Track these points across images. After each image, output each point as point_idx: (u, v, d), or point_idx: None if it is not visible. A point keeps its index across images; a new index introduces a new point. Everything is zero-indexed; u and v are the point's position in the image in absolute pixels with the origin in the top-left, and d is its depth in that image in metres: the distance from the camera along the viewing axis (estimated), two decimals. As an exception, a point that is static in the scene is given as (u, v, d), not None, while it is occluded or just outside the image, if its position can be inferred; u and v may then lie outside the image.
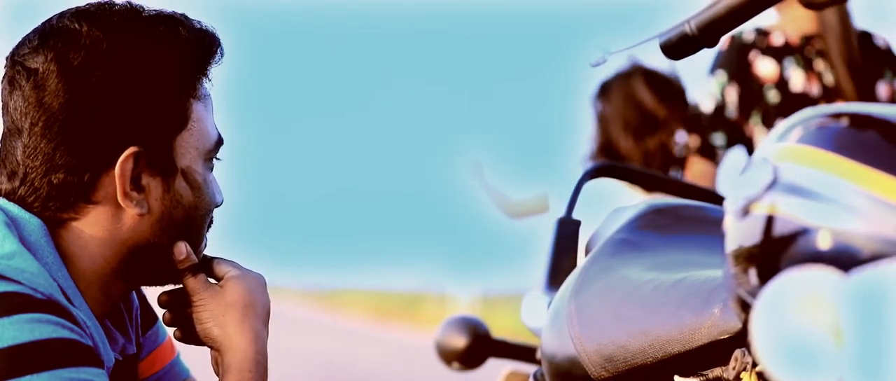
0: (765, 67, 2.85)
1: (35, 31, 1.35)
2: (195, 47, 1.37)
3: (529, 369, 1.97)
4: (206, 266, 1.42)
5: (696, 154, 2.90)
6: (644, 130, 3.09)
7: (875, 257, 0.95)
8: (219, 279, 1.41)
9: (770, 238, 1.03)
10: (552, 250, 1.71)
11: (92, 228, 1.34)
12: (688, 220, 1.49)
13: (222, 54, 1.40)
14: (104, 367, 1.30)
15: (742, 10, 1.18)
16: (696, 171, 2.90)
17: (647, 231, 1.48)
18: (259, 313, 1.40)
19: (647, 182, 2.17)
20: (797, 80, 2.84)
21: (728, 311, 1.14)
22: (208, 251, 1.44)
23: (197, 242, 1.41)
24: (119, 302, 1.41)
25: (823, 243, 0.98)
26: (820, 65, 2.84)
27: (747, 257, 1.06)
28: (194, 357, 1.63)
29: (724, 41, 2.86)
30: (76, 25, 1.33)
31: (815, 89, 2.83)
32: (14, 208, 1.31)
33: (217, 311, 1.38)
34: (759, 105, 2.86)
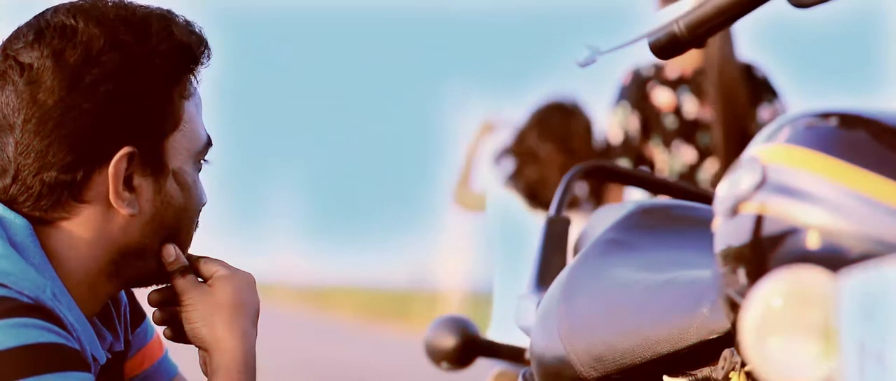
0: (662, 97, 3.33)
1: (28, 25, 1.33)
2: (187, 46, 1.37)
3: (519, 368, 1.98)
4: (195, 266, 1.42)
5: None
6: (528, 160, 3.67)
7: (864, 257, 0.95)
8: (207, 279, 1.41)
9: (759, 238, 1.04)
10: (541, 248, 1.71)
11: (82, 228, 1.33)
12: (677, 220, 1.50)
13: (211, 54, 1.39)
14: (91, 370, 1.30)
15: (730, 10, 1.19)
16: (610, 195, 3.45)
17: (636, 231, 1.48)
18: (248, 313, 1.40)
19: (635, 182, 2.23)
20: (691, 107, 3.32)
21: (717, 311, 1.15)
22: (193, 250, 1.44)
23: (185, 243, 1.41)
24: (107, 301, 1.41)
25: (812, 243, 0.98)
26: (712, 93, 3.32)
27: (736, 257, 1.07)
28: (185, 355, 1.63)
29: (627, 75, 3.39)
30: (72, 21, 1.31)
31: (707, 115, 3.32)
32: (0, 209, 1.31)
33: (206, 311, 1.38)
34: (658, 130, 3.33)
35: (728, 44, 3.30)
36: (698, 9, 1.20)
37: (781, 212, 1.02)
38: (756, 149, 1.09)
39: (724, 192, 1.11)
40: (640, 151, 3.36)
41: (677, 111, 3.34)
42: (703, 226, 1.32)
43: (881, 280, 0.87)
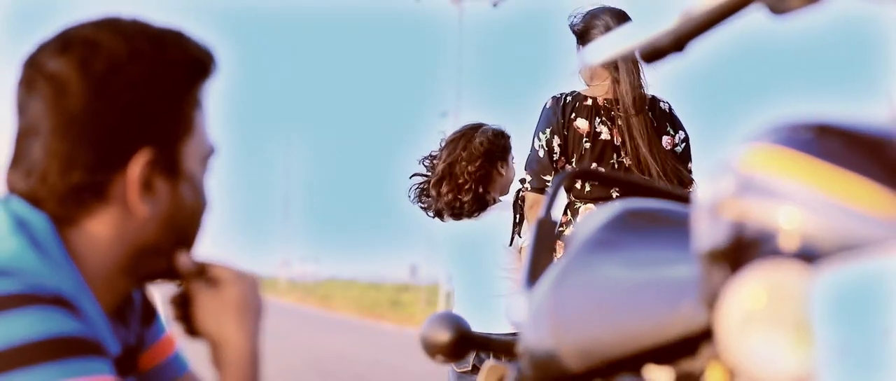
0: (580, 124, 3.84)
1: (55, 37, 1.37)
2: (199, 59, 1.42)
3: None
4: (206, 269, 1.47)
5: (527, 189, 3.88)
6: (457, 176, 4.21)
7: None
8: (217, 282, 1.46)
9: (737, 239, 1.04)
10: (532, 248, 1.73)
11: (102, 227, 1.36)
12: (661, 220, 1.50)
13: (218, 68, 1.44)
14: (110, 359, 1.33)
15: (711, 21, 1.21)
16: (530, 200, 3.88)
17: (622, 231, 1.49)
18: (253, 312, 1.47)
19: (621, 186, 2.28)
20: (604, 132, 3.83)
21: (697, 307, 1.14)
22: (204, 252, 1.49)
23: (194, 241, 1.46)
24: (122, 298, 1.45)
25: (789, 243, 0.98)
26: (619, 121, 3.82)
27: (715, 256, 1.07)
28: (197, 352, 1.68)
29: (550, 102, 3.88)
30: (97, 34, 1.35)
31: (616, 139, 3.83)
32: (22, 208, 1.34)
33: (216, 310, 1.44)
34: (576, 151, 3.81)
35: (636, 79, 3.85)
36: (682, 26, 1.22)
37: (759, 213, 1.02)
38: (736, 151, 1.09)
39: (704, 193, 1.12)
40: (560, 167, 3.82)
41: (592, 136, 3.83)
42: (685, 226, 1.32)
43: (856, 275, 0.88)
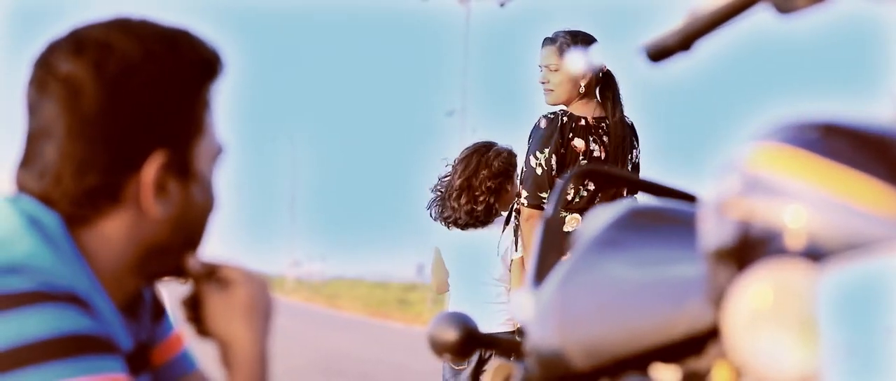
0: (578, 143, 4.14)
1: (65, 39, 1.36)
2: (209, 60, 1.42)
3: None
4: (216, 271, 1.48)
5: (524, 205, 4.12)
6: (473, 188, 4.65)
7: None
8: (227, 282, 1.47)
9: (743, 238, 1.04)
10: (539, 247, 1.74)
11: (114, 227, 1.36)
12: (666, 219, 1.50)
13: (226, 68, 1.44)
14: (122, 356, 1.33)
15: (717, 21, 1.21)
16: (525, 214, 4.14)
17: (628, 230, 1.49)
18: (263, 312, 1.47)
19: (627, 184, 2.29)
20: (596, 150, 4.17)
21: (703, 306, 1.14)
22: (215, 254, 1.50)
23: (202, 240, 1.46)
24: (131, 296, 1.45)
25: (794, 242, 0.99)
26: (605, 139, 4.17)
27: (722, 255, 1.08)
28: (203, 354, 1.68)
29: (545, 121, 4.15)
30: (109, 35, 1.35)
31: (603, 155, 4.16)
32: (33, 206, 1.33)
33: (225, 311, 1.45)
34: (572, 167, 4.09)
35: (618, 100, 4.23)
36: (689, 25, 1.23)
37: (765, 212, 1.02)
38: (742, 150, 1.09)
39: (710, 192, 1.13)
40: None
41: (587, 154, 4.14)
42: (690, 225, 1.33)
43: (861, 274, 0.89)
